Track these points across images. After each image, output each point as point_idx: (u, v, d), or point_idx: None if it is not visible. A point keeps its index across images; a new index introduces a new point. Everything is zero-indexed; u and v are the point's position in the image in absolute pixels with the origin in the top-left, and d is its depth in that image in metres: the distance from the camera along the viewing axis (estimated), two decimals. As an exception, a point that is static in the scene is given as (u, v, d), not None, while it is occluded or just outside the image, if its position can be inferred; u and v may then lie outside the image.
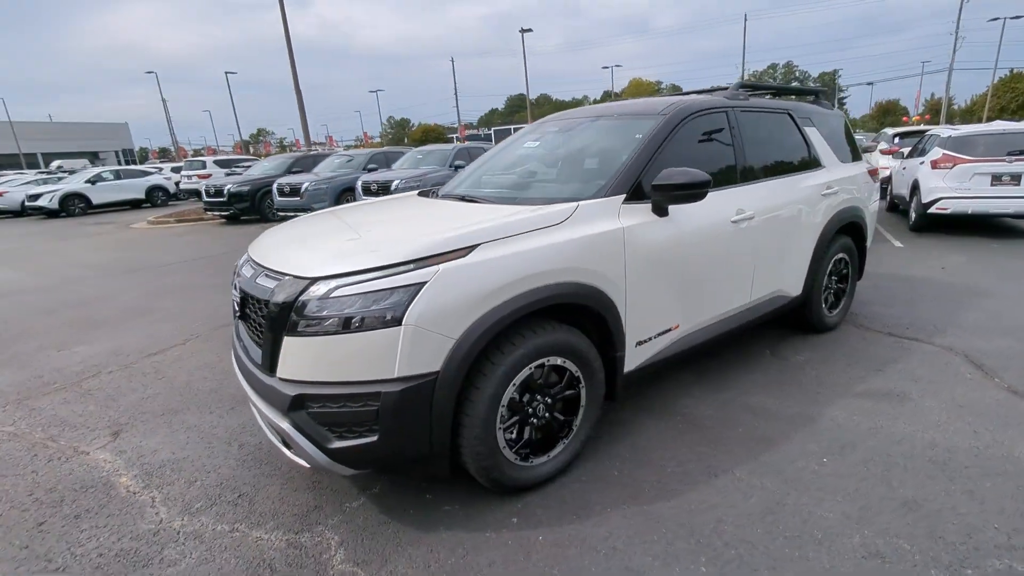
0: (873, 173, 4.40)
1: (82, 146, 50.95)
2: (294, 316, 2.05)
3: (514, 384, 2.26)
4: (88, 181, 18.41)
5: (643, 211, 2.68)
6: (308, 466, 2.18)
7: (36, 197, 17.58)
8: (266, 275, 2.30)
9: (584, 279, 2.40)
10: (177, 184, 20.59)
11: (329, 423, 2.05)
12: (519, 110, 78.22)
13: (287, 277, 2.17)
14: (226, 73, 40.24)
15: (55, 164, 33.66)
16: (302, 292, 2.07)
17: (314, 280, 2.09)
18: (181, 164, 22.83)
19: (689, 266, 2.89)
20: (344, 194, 12.30)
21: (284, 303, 2.09)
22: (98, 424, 3.37)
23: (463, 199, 3.03)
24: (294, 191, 12.25)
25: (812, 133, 3.87)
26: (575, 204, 2.52)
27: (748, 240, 3.19)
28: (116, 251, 10.56)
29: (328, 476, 2.65)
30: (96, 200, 18.30)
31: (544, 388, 2.41)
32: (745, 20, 43.58)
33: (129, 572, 2.11)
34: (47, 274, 8.44)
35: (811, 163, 3.80)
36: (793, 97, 4.37)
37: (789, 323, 4.14)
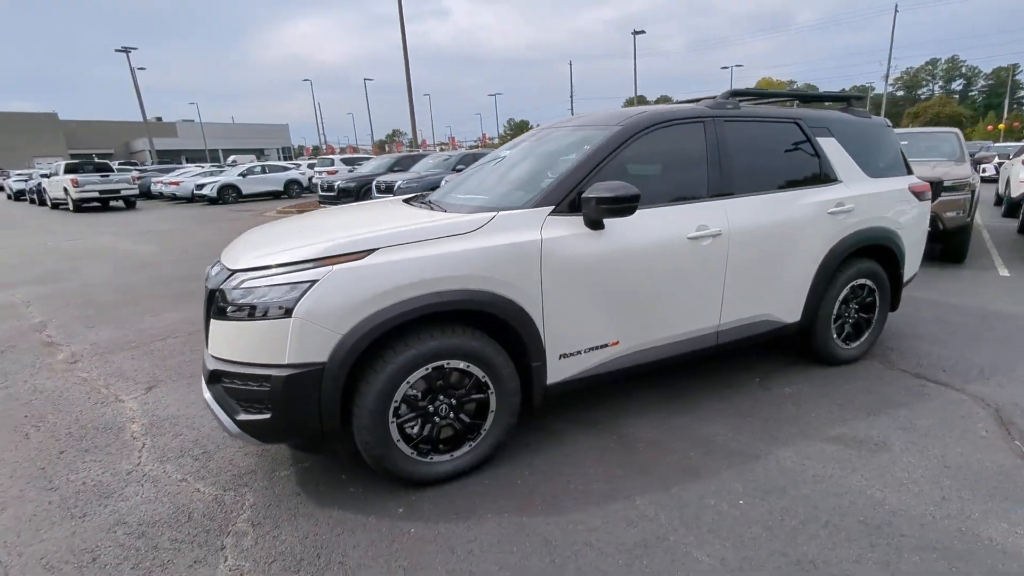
0: (920, 190, 3.80)
1: (252, 144, 58.54)
2: (218, 301, 2.33)
3: (408, 382, 2.36)
4: (240, 174, 21.23)
5: (574, 224, 2.62)
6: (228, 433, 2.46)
7: (201, 187, 20.62)
8: (217, 265, 2.62)
9: (490, 287, 2.43)
10: (310, 179, 22.98)
11: (236, 397, 2.30)
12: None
13: (222, 268, 2.47)
14: (364, 80, 44.00)
15: (231, 159, 39.06)
16: (224, 281, 2.35)
17: (233, 272, 2.36)
18: (315, 161, 25.46)
19: (629, 282, 2.76)
20: (432, 191, 12.96)
21: (212, 289, 2.39)
22: (143, 378, 4.00)
23: (430, 205, 3.15)
24: (388, 188, 13.13)
25: (828, 144, 3.45)
26: (493, 214, 2.54)
27: (713, 258, 2.96)
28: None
29: (277, 446, 2.93)
30: (245, 191, 21.04)
31: (448, 389, 2.48)
32: (896, 11, 38.38)
33: (93, 501, 2.54)
34: (182, 251, 9.95)
35: (822, 177, 3.39)
36: (827, 104, 3.92)
37: (799, 352, 3.75)
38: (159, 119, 63.99)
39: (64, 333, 5.18)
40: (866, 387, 3.36)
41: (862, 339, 3.74)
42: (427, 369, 2.39)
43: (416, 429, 2.47)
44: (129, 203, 19.60)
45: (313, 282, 2.20)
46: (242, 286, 2.26)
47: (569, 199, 2.65)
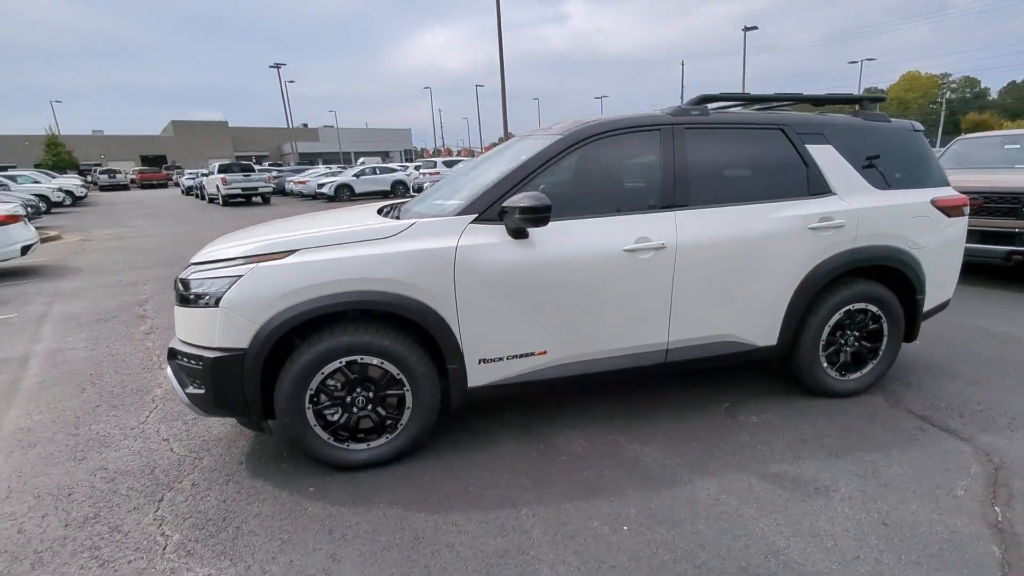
0: (949, 204, 3.23)
1: (380, 147, 63.36)
2: (178, 288, 2.69)
3: (323, 373, 2.54)
4: (354, 175, 23.16)
5: (496, 232, 2.63)
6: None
7: (322, 186, 22.80)
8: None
9: (400, 290, 2.53)
10: (415, 180, 24.43)
11: (184, 372, 2.64)
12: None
13: (190, 261, 2.83)
14: (476, 86, 45.67)
15: (360, 160, 42.64)
16: (183, 271, 2.70)
17: (188, 264, 2.70)
18: (420, 163, 26.99)
19: (557, 292, 2.70)
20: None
21: (177, 277, 2.75)
22: (188, 352, 4.62)
23: (396, 212, 3.29)
24: None
25: (821, 152, 3.07)
26: (412, 221, 2.63)
27: (656, 272, 2.79)
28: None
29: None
30: (358, 190, 22.90)
31: (365, 383, 2.62)
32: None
33: (94, 449, 3.03)
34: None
35: (810, 189, 3.03)
36: (854, 107, 3.46)
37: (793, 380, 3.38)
38: (305, 125, 71.32)
39: (156, 310, 6.09)
40: (846, 424, 2.96)
41: (864, 371, 3.27)
42: (341, 363, 2.55)
43: (336, 417, 2.64)
44: (265, 199, 22.24)
45: (238, 277, 2.45)
46: (191, 277, 2.58)
47: (496, 208, 2.67)
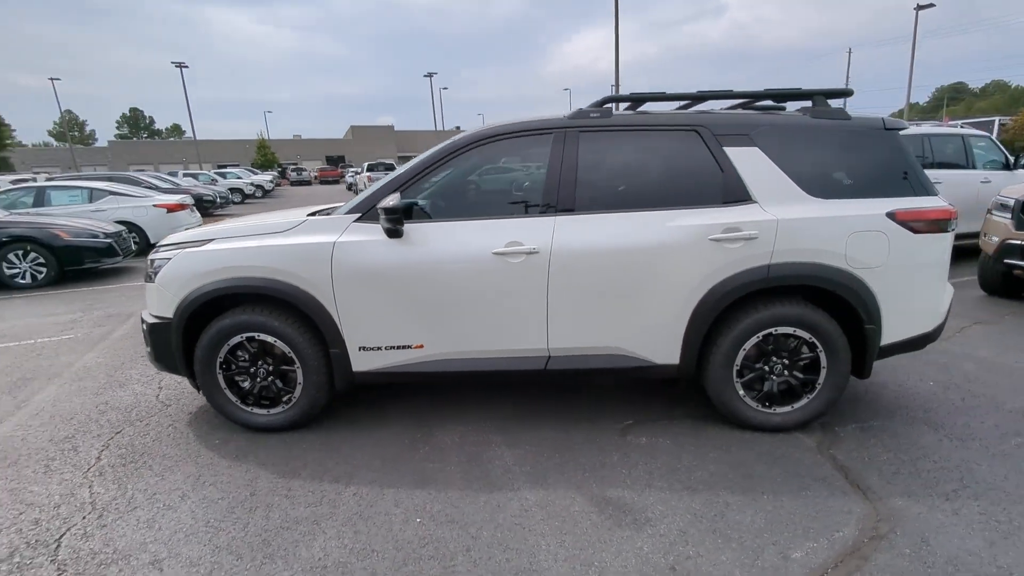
0: (913, 218, 2.59)
1: (523, 147, 65.13)
2: (146, 267, 3.29)
3: (229, 344, 2.94)
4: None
5: (374, 231, 2.80)
6: (155, 360, 3.42)
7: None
8: None
9: (287, 279, 2.82)
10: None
11: (143, 334, 3.23)
12: (952, 102, 58.83)
13: None
14: (611, 86, 44.54)
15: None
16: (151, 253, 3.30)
17: (152, 247, 3.29)
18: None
19: (428, 290, 2.78)
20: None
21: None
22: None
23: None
24: None
25: (743, 156, 2.68)
26: (305, 218, 2.90)
27: (529, 277, 2.71)
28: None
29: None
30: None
31: (265, 358, 2.97)
32: None
33: (112, 388, 3.82)
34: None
35: (725, 196, 2.67)
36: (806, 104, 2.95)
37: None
38: (458, 128, 75.98)
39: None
40: (741, 461, 2.58)
41: (796, 406, 2.79)
42: (242, 338, 2.92)
43: (245, 384, 3.04)
44: None
45: (168, 259, 2.95)
46: (151, 258, 3.16)
47: (372, 208, 2.82)
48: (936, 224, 2.64)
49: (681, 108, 3.17)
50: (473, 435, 2.95)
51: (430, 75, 43.11)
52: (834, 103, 2.85)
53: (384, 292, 2.81)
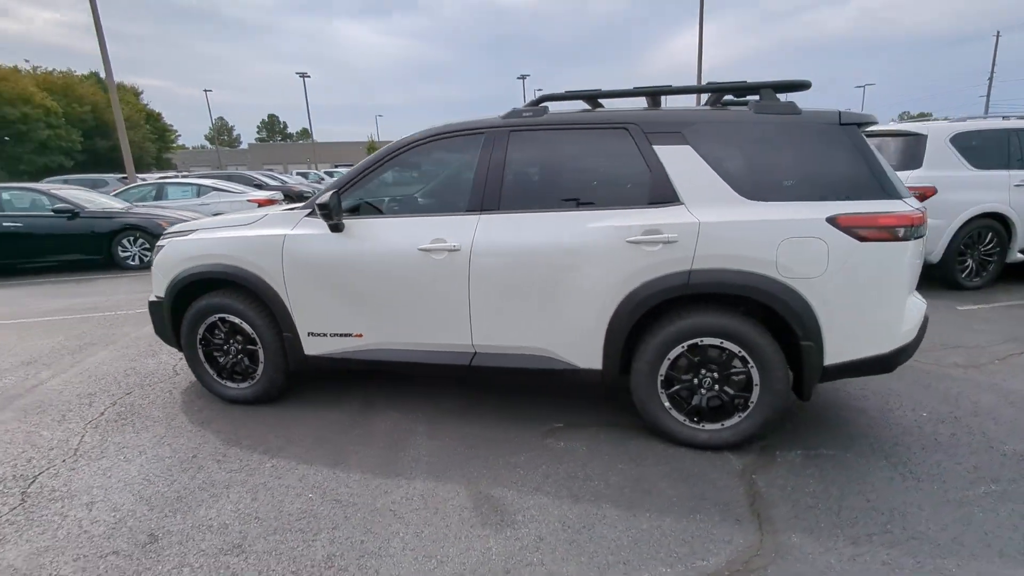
0: (871, 225, 2.24)
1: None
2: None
3: (205, 323, 3.29)
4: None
5: (320, 225, 2.97)
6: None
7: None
8: None
9: (247, 267, 3.09)
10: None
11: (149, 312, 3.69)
12: None
13: None
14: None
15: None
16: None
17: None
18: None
19: (364, 283, 2.91)
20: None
21: None
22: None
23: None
24: None
25: (673, 154, 2.48)
26: (267, 212, 3.16)
27: (450, 274, 2.73)
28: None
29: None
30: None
31: (233, 337, 3.28)
32: None
33: (148, 356, 4.40)
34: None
35: (651, 196, 2.50)
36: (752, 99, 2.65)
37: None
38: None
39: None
40: (642, 476, 2.41)
41: (727, 423, 2.55)
42: (215, 318, 3.25)
43: (222, 360, 3.37)
44: None
45: (162, 247, 3.36)
46: (157, 244, 3.61)
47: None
48: (890, 231, 2.28)
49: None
50: (405, 423, 3.04)
51: (523, 77, 43.66)
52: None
53: (327, 282, 2.98)
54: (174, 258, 3.28)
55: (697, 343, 2.50)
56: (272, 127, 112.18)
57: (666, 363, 2.56)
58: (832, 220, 2.30)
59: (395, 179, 3.07)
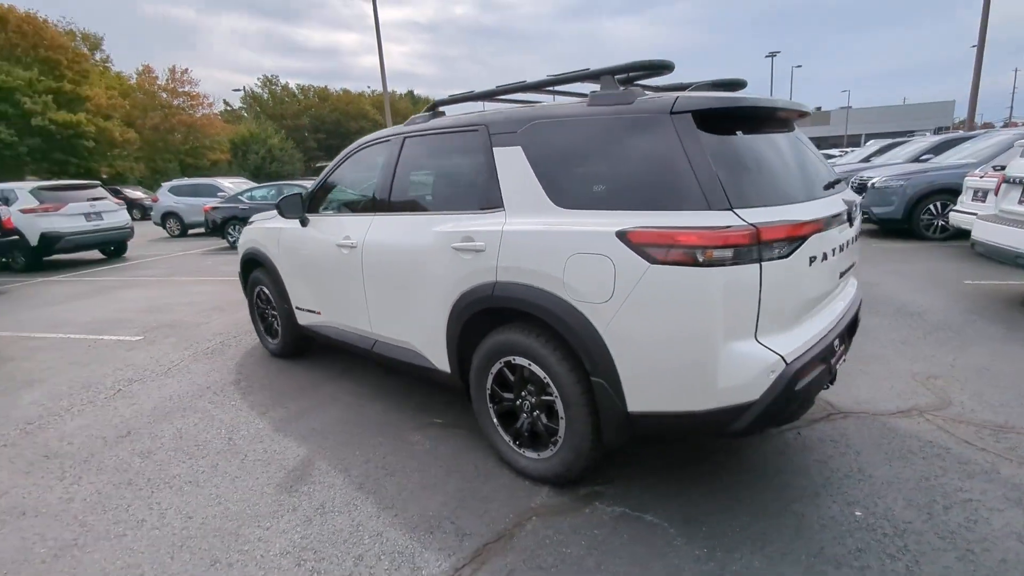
0: (667, 243, 1.65)
1: (907, 125, 50.63)
2: None
3: (254, 291, 4.26)
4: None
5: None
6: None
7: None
8: None
9: (264, 251, 3.92)
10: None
11: (252, 280, 4.89)
12: None
13: None
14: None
15: (869, 142, 36.44)
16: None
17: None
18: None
19: (313, 269, 3.42)
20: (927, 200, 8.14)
21: None
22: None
23: None
24: (861, 186, 9.12)
25: (506, 156, 2.26)
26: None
27: (351, 268, 3.01)
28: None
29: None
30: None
31: (265, 304, 4.18)
32: None
33: (237, 330, 5.80)
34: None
35: (488, 200, 2.33)
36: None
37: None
38: (818, 108, 64.92)
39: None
40: (447, 484, 2.32)
41: (544, 454, 2.23)
42: (259, 288, 4.19)
43: (262, 325, 4.32)
44: None
45: (244, 231, 4.47)
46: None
47: (305, 201, 3.60)
48: (687, 252, 1.69)
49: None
50: (331, 395, 3.43)
51: (772, 55, 38.14)
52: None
53: (299, 266, 3.59)
54: (241, 240, 4.33)
55: (511, 361, 2.27)
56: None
57: (490, 378, 2.39)
58: (622, 235, 1.82)
59: (353, 180, 3.46)
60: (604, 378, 1.94)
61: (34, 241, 9.65)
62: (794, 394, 1.80)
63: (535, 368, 2.18)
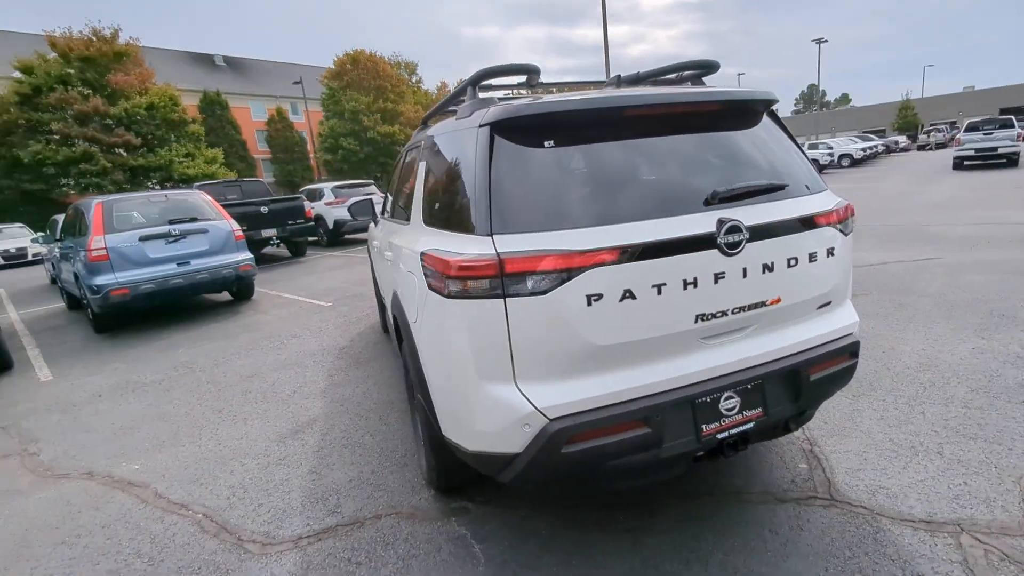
0: (431, 262, 1.48)
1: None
2: None
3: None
4: None
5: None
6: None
7: None
8: None
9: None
10: None
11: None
12: None
13: None
14: None
15: None
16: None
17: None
18: None
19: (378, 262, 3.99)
20: None
21: None
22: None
23: None
24: None
25: (419, 171, 2.29)
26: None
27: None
28: None
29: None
30: None
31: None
32: None
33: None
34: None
35: (405, 214, 2.44)
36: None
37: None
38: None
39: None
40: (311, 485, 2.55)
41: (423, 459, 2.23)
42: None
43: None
44: (1011, 160, 16.43)
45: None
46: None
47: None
48: (441, 281, 1.50)
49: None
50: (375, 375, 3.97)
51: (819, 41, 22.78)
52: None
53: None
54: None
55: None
56: (810, 98, 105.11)
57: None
58: (422, 256, 1.74)
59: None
60: (422, 395, 1.90)
61: (331, 225, 13.19)
62: (563, 457, 1.45)
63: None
